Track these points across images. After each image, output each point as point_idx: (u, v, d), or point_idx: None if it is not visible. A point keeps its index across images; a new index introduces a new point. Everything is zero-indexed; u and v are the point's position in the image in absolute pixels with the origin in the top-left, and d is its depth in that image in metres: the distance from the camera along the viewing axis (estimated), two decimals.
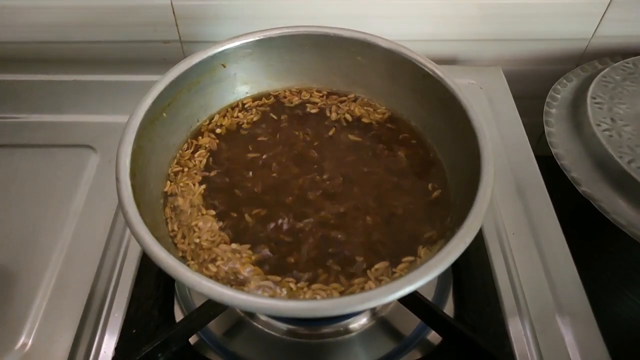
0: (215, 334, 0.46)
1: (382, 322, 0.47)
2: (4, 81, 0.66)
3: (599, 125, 0.55)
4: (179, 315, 0.46)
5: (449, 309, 0.47)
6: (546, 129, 0.59)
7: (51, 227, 0.51)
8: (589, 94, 0.59)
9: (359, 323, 0.47)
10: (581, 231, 0.55)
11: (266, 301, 0.31)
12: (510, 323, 0.45)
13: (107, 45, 0.68)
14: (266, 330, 0.46)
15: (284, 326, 0.46)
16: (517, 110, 0.62)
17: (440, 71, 0.44)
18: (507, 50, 0.69)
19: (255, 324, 0.47)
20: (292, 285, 0.38)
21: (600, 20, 0.65)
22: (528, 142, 0.59)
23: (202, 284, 0.32)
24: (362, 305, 0.32)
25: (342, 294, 0.38)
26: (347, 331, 0.46)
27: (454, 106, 0.42)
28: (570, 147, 0.56)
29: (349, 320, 0.46)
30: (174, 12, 0.64)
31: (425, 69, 0.44)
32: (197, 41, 0.67)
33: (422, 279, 0.32)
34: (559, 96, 0.62)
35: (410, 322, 0.46)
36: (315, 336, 0.46)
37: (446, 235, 0.40)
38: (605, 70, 0.62)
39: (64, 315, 0.45)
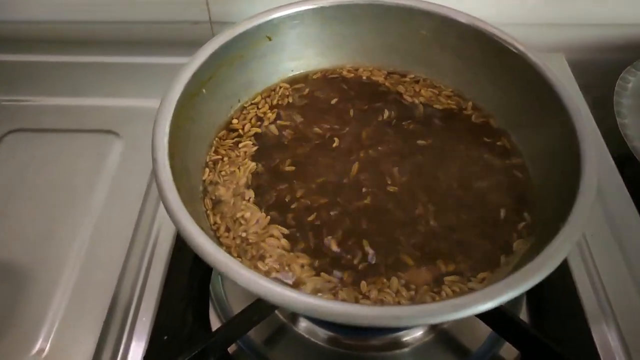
0: (254, 342, 0.40)
1: (442, 335, 0.41)
2: (21, 62, 0.62)
3: None
4: (213, 320, 0.41)
5: (523, 319, 0.41)
6: (619, 120, 0.53)
7: (71, 220, 0.47)
8: None
9: (414, 336, 0.41)
10: None
11: (340, 306, 0.26)
12: (595, 333, 0.40)
13: (131, 25, 0.64)
14: (309, 338, 0.41)
15: (328, 334, 0.41)
16: (585, 102, 0.56)
17: (521, 45, 0.38)
18: (570, 36, 0.64)
19: (297, 330, 0.41)
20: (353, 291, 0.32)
21: None
22: (600, 135, 0.53)
23: (258, 284, 0.26)
24: (454, 313, 0.26)
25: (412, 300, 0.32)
26: (401, 345, 0.41)
27: (539, 85, 0.37)
28: None
29: (403, 332, 0.41)
30: None
31: (504, 43, 0.39)
32: (228, 21, 0.62)
33: (527, 281, 0.26)
34: (629, 85, 0.57)
35: (477, 335, 0.41)
36: (362, 348, 0.41)
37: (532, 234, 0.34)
38: None
39: (86, 318, 0.41)
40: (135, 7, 0.62)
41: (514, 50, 0.38)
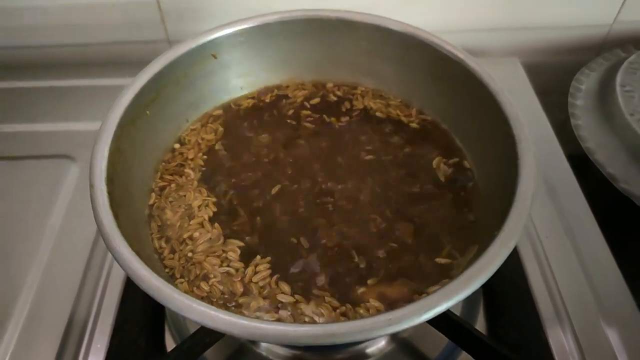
0: None
1: (404, 344, 0.41)
2: None
3: (632, 114, 0.50)
4: (170, 345, 0.40)
5: (480, 326, 0.41)
6: (572, 122, 0.53)
7: (26, 246, 0.46)
8: (618, 82, 0.54)
9: (377, 347, 0.41)
10: (621, 231, 0.50)
11: (273, 327, 0.25)
12: (551, 337, 0.40)
13: (86, 47, 0.64)
14: (270, 358, 0.40)
15: (289, 352, 0.40)
16: (540, 104, 0.57)
17: (460, 52, 0.39)
18: (522, 40, 0.64)
19: (257, 350, 0.41)
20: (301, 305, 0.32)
21: (622, 4, 0.60)
22: (556, 138, 0.54)
23: (192, 308, 0.26)
24: (389, 327, 0.26)
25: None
26: (364, 356, 0.41)
27: (480, 91, 0.37)
28: (602, 141, 0.51)
29: (365, 343, 0.41)
30: (159, 7, 0.59)
31: (443, 51, 0.39)
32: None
33: (463, 290, 0.26)
34: (582, 87, 0.57)
35: (436, 344, 0.41)
36: None
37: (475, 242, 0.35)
38: (632, 57, 0.57)
39: (39, 346, 0.40)
40: (89, 29, 0.62)
41: (453, 57, 0.39)
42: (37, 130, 0.56)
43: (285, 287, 0.33)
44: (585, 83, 0.58)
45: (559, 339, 0.40)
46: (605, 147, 0.51)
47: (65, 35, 0.62)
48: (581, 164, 0.51)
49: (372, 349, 0.41)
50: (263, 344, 0.41)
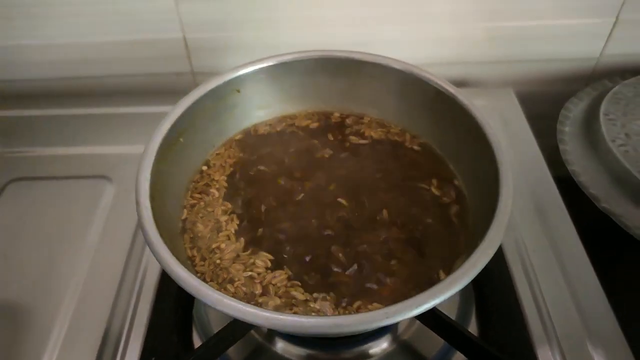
0: None
1: (404, 345, 0.46)
2: (20, 117, 0.67)
3: (614, 141, 0.55)
4: (197, 342, 0.46)
5: (472, 331, 0.45)
6: (560, 147, 0.58)
7: (67, 260, 0.51)
8: (602, 110, 0.59)
9: (380, 347, 0.45)
10: (603, 247, 0.54)
11: (292, 318, 0.31)
12: (537, 344, 0.44)
13: (119, 78, 0.70)
14: (285, 356, 0.45)
15: (303, 351, 0.45)
16: (531, 131, 0.62)
17: (451, 88, 0.44)
18: (516, 72, 0.69)
19: (274, 349, 0.46)
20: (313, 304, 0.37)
21: (607, 39, 0.66)
22: (544, 161, 0.59)
23: (223, 302, 0.31)
24: (386, 320, 0.31)
25: None
26: (368, 355, 0.45)
27: (468, 122, 0.43)
28: (586, 164, 0.56)
29: (369, 344, 0.45)
30: (186, 45, 0.65)
31: (437, 87, 0.45)
32: (208, 72, 0.68)
33: (447, 291, 0.31)
34: (570, 115, 0.62)
35: (433, 345, 0.45)
36: None
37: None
38: (617, 88, 0.62)
39: (83, 344, 0.45)
40: (124, 63, 0.68)
41: (446, 93, 0.44)
42: (76, 153, 0.61)
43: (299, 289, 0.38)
44: (573, 111, 0.63)
45: (544, 347, 0.44)
46: (589, 170, 0.55)
47: (102, 68, 0.68)
48: (567, 185, 0.55)
49: (376, 349, 0.45)
50: (278, 344, 0.46)
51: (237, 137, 0.50)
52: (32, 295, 0.48)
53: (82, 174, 0.59)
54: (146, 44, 0.66)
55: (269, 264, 0.40)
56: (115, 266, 0.50)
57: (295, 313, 0.36)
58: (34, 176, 0.59)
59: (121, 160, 0.60)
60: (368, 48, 0.50)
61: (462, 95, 0.43)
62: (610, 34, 0.65)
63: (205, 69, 0.69)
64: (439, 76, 0.45)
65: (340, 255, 0.41)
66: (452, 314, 0.47)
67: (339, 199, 0.44)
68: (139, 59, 0.68)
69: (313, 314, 0.36)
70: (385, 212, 0.44)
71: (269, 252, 0.41)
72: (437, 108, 0.46)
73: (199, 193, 0.46)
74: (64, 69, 0.68)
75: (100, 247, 0.52)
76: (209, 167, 0.48)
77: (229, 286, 0.38)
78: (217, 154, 0.49)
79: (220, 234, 0.42)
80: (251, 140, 0.50)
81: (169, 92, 0.70)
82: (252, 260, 0.40)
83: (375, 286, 0.39)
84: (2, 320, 0.47)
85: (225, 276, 0.39)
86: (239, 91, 0.48)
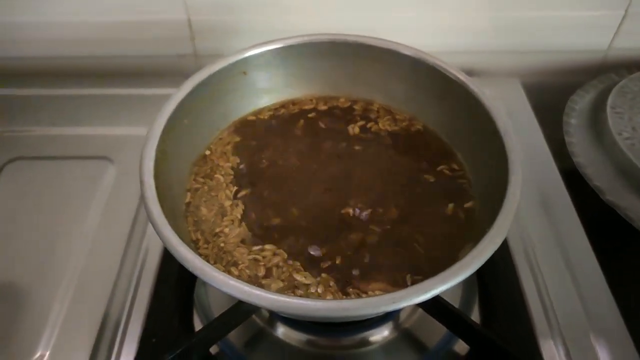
0: (235, 345, 0.45)
1: (405, 333, 0.46)
2: (20, 96, 0.66)
3: (620, 134, 0.55)
4: (198, 326, 0.45)
5: (475, 320, 0.45)
6: (566, 138, 0.58)
7: (67, 241, 0.51)
8: (609, 103, 0.58)
9: (382, 335, 0.45)
10: (607, 238, 0.54)
11: (298, 300, 0.30)
12: (540, 335, 0.44)
13: (122, 59, 0.69)
14: (286, 341, 0.45)
15: (304, 337, 0.45)
16: (537, 122, 0.62)
17: (462, 76, 0.44)
18: (523, 62, 0.69)
19: (275, 334, 0.45)
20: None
21: (615, 32, 0.66)
22: (550, 153, 0.58)
23: (229, 284, 0.31)
24: (392, 304, 0.31)
25: None
26: (369, 343, 0.45)
27: (478, 110, 0.42)
28: (591, 157, 0.56)
29: (371, 331, 0.45)
30: (190, 27, 0.65)
31: (448, 74, 0.44)
32: (212, 55, 0.68)
33: (455, 277, 0.31)
34: (577, 107, 0.62)
35: (435, 333, 0.45)
36: (336, 347, 0.45)
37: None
38: (623, 81, 0.62)
39: (82, 326, 0.44)
40: (126, 43, 0.67)
41: (458, 81, 0.44)
42: (78, 134, 0.61)
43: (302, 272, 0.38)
44: (580, 103, 0.63)
45: (546, 338, 0.44)
46: (594, 162, 0.55)
47: (104, 49, 0.68)
48: (573, 177, 0.55)
49: (377, 336, 0.45)
50: (280, 329, 0.45)
51: (241, 121, 0.49)
52: (32, 276, 0.48)
53: (82, 155, 0.59)
54: (150, 24, 0.65)
55: (276, 250, 0.40)
56: (115, 248, 0.50)
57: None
58: (34, 156, 0.58)
59: (122, 142, 0.59)
60: (375, 34, 0.50)
61: (474, 84, 0.43)
62: (619, 27, 0.65)
63: (208, 51, 0.68)
64: (451, 64, 0.44)
65: (346, 241, 0.40)
66: (454, 304, 0.46)
67: (345, 185, 0.44)
68: (141, 40, 0.67)
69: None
70: (391, 199, 0.43)
71: (275, 239, 0.41)
72: (447, 96, 0.45)
73: (203, 177, 0.45)
74: (64, 47, 0.68)
75: (101, 228, 0.52)
76: (211, 152, 0.47)
77: (232, 269, 0.38)
78: (220, 139, 0.48)
79: (225, 218, 0.42)
80: (255, 124, 0.50)
81: (170, 73, 0.69)
82: (259, 247, 0.40)
83: (379, 274, 0.39)
84: (0, 301, 0.46)
85: (229, 259, 0.39)
86: (245, 73, 0.47)
